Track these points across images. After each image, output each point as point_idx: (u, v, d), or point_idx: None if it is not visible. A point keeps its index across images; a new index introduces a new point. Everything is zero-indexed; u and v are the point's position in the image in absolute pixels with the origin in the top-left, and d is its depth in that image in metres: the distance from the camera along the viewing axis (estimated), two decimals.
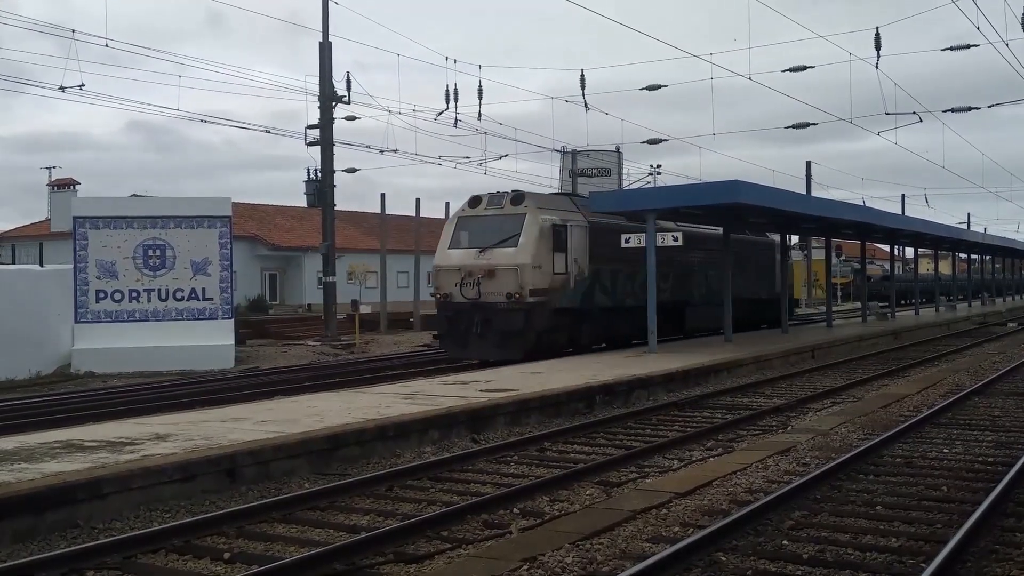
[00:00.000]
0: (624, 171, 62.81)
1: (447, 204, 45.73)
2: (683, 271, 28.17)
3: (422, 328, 39.34)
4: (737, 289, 28.51)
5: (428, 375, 20.07)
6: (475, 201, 23.89)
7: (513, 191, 23.79)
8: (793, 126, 38.28)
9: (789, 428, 13.49)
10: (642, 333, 23.71)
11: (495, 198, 23.68)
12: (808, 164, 61.96)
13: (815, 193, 56.70)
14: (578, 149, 53.45)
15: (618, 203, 27.14)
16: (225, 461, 9.96)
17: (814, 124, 38.10)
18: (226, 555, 7.55)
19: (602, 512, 8.47)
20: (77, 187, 51.83)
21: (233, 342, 28.63)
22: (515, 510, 8.90)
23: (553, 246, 22.91)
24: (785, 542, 7.60)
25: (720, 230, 28.36)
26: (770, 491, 9.16)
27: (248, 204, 57.94)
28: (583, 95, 33.56)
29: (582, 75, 33.48)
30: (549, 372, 18.45)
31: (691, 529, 7.91)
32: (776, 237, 33.34)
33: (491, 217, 23.35)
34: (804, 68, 32.56)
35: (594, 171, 58.32)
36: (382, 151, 37.35)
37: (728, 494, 9.26)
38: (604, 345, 24.94)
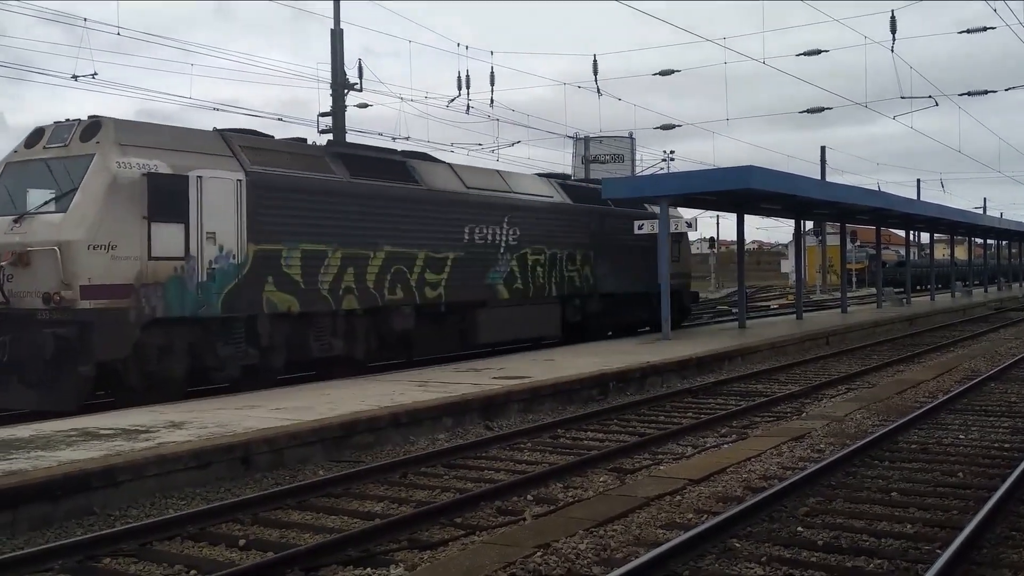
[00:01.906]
0: (637, 157, 62.79)
1: None
2: (476, 256, 20.43)
3: None
4: (602, 281, 24.79)
5: (441, 363, 20.09)
6: (34, 137, 14.71)
7: (90, 117, 14.53)
8: (807, 111, 38.13)
9: (803, 414, 13.47)
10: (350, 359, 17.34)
11: (60, 130, 14.48)
12: (823, 149, 61.71)
13: (830, 178, 56.52)
14: (591, 135, 53.40)
15: (631, 189, 27.11)
16: (239, 448, 10.00)
17: (829, 109, 37.94)
18: (241, 542, 7.59)
19: (616, 499, 8.47)
20: None
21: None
22: (529, 497, 8.92)
23: (151, 211, 13.91)
24: (800, 528, 7.60)
25: (562, 197, 23.96)
26: (784, 478, 9.16)
27: None
28: (596, 81, 33.47)
29: (595, 61, 33.41)
30: (562, 359, 18.46)
31: (705, 516, 7.91)
32: (675, 216, 27.22)
33: (44, 162, 14.27)
34: (819, 52, 32.38)
35: (607, 157, 58.31)
36: (394, 139, 37.22)
37: (742, 481, 9.26)
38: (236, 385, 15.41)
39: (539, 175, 25.01)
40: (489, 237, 20.78)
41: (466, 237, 20.05)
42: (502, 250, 21.08)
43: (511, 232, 21.37)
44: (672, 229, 25.04)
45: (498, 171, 22.62)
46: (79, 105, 37.81)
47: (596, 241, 24.46)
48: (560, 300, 23.14)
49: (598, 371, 16.19)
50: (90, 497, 8.57)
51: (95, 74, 28.63)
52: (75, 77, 28.23)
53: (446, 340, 19.88)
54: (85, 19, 26.94)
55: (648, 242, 25.49)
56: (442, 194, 19.57)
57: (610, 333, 25.58)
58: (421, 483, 9.70)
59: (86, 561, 7.18)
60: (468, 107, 34.98)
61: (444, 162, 21.24)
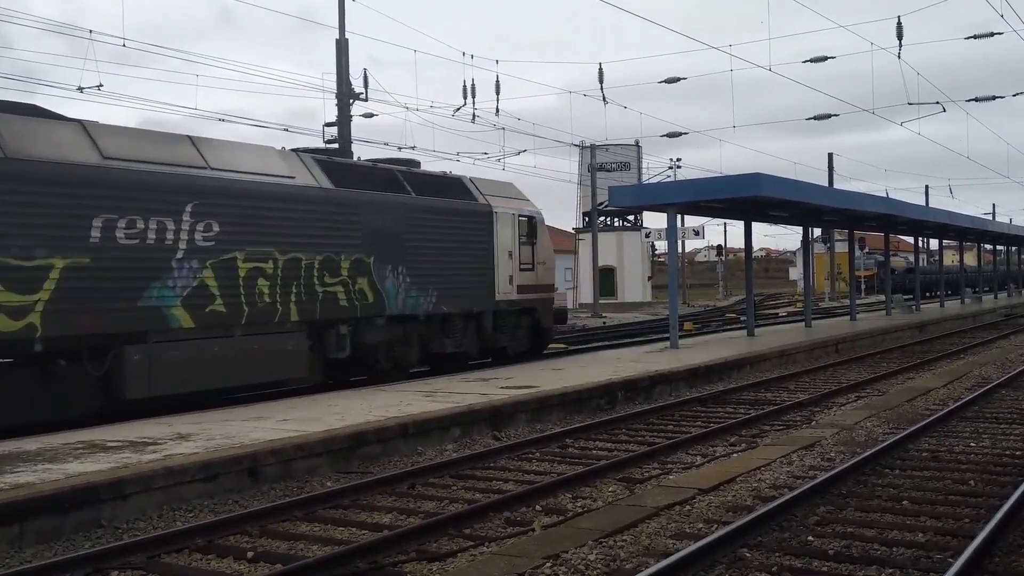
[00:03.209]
0: (644, 165, 62.79)
1: None
2: (119, 263, 13.53)
3: None
4: (395, 299, 17.90)
5: (448, 373, 20.09)
6: None
7: None
8: (814, 117, 38.15)
9: (813, 423, 13.45)
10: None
11: None
12: (830, 156, 61.72)
13: (837, 185, 56.52)
14: (597, 143, 53.44)
15: (638, 197, 27.14)
16: (247, 460, 10.01)
17: (836, 115, 37.95)
18: (249, 554, 7.59)
19: (625, 509, 8.47)
20: None
21: None
22: (537, 507, 8.92)
23: None
24: (810, 538, 7.58)
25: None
26: (795, 487, 9.14)
27: None
28: (601, 89, 33.60)
29: (600, 69, 33.51)
30: (570, 368, 18.46)
31: (715, 525, 7.90)
32: (504, 208, 21.03)
33: None
34: (825, 59, 32.44)
35: (613, 165, 58.31)
36: (400, 148, 37.41)
37: (752, 490, 9.24)
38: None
39: (292, 151, 17.71)
40: (152, 235, 13.86)
41: (97, 234, 13.11)
42: (181, 254, 14.22)
43: (201, 227, 14.55)
44: (509, 211, 20.72)
45: (189, 137, 15.36)
46: (85, 116, 37.94)
47: (383, 243, 17.55)
48: (310, 327, 16.27)
49: (606, 380, 16.18)
50: (98, 510, 8.58)
51: (100, 85, 28.77)
52: (81, 89, 28.38)
53: (58, 398, 13.00)
54: (91, 31, 26.97)
55: (480, 244, 19.98)
56: (50, 167, 12.72)
57: (427, 368, 19.72)
58: (429, 494, 9.70)
59: (94, 574, 7.18)
60: (474, 116, 35.11)
61: (71, 119, 13.94)
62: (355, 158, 19.73)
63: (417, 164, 20.80)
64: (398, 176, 18.88)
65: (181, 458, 9.70)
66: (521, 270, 21.27)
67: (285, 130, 58.34)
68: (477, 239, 20.04)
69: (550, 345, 26.72)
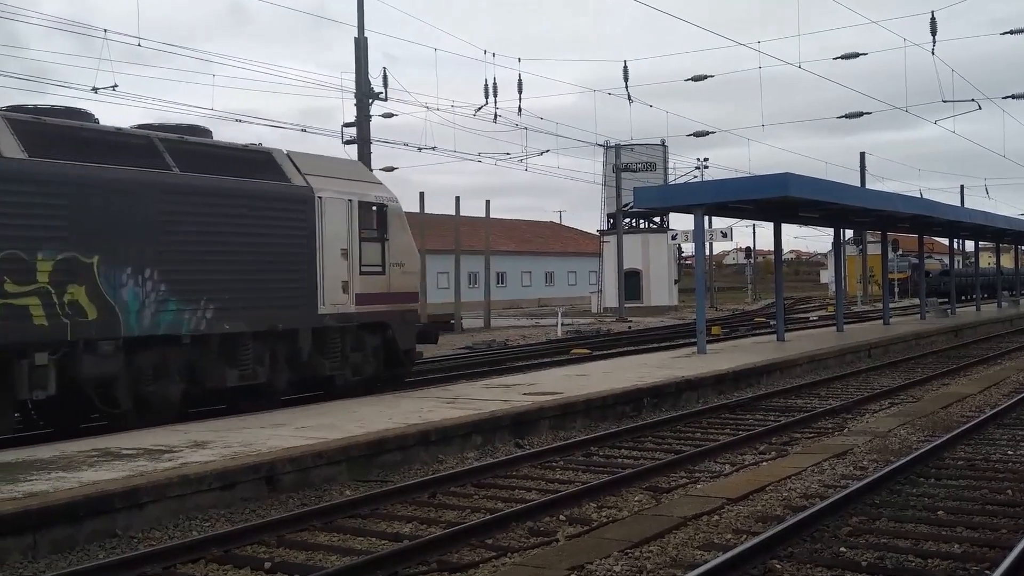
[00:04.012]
0: (670, 165, 62.69)
1: (487, 202, 45.92)
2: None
3: (463, 330, 39.47)
4: (140, 313, 13.22)
5: (470, 379, 20.12)
6: None
7: None
8: (845, 116, 38.01)
9: (845, 430, 13.37)
10: None
11: None
12: (862, 155, 61.48)
13: (869, 185, 56.25)
14: (621, 143, 53.41)
15: (664, 198, 27.11)
16: (264, 468, 10.04)
17: (868, 113, 37.81)
18: (267, 564, 7.61)
19: (651, 519, 8.44)
20: None
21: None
22: (561, 517, 8.90)
23: None
24: (843, 549, 7.54)
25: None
26: (826, 496, 9.08)
27: None
28: (626, 87, 33.60)
29: (625, 66, 33.49)
30: (594, 374, 18.43)
31: (744, 536, 7.86)
32: (336, 192, 16.23)
33: None
34: (856, 55, 32.30)
35: (638, 165, 58.23)
36: (420, 148, 37.51)
37: (783, 499, 9.20)
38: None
39: None
40: None
41: None
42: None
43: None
44: (343, 196, 16.20)
45: None
46: (101, 117, 38.18)
47: (119, 236, 13.07)
48: None
49: (632, 386, 16.14)
50: (112, 519, 8.62)
51: (115, 86, 28.83)
52: (95, 89, 28.55)
53: None
54: (105, 30, 27.13)
55: (293, 238, 15.30)
56: None
57: (223, 407, 15.11)
58: (451, 503, 9.70)
59: None
60: (496, 115, 35.19)
61: None
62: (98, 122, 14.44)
63: (206, 133, 15.82)
64: (155, 145, 14.04)
65: (197, 466, 9.74)
66: (364, 274, 16.54)
67: (303, 130, 58.61)
68: (287, 232, 15.19)
69: (574, 351, 26.58)
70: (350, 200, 16.45)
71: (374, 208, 17.07)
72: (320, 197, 15.79)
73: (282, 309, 15.08)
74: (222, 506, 9.46)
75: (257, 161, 15.47)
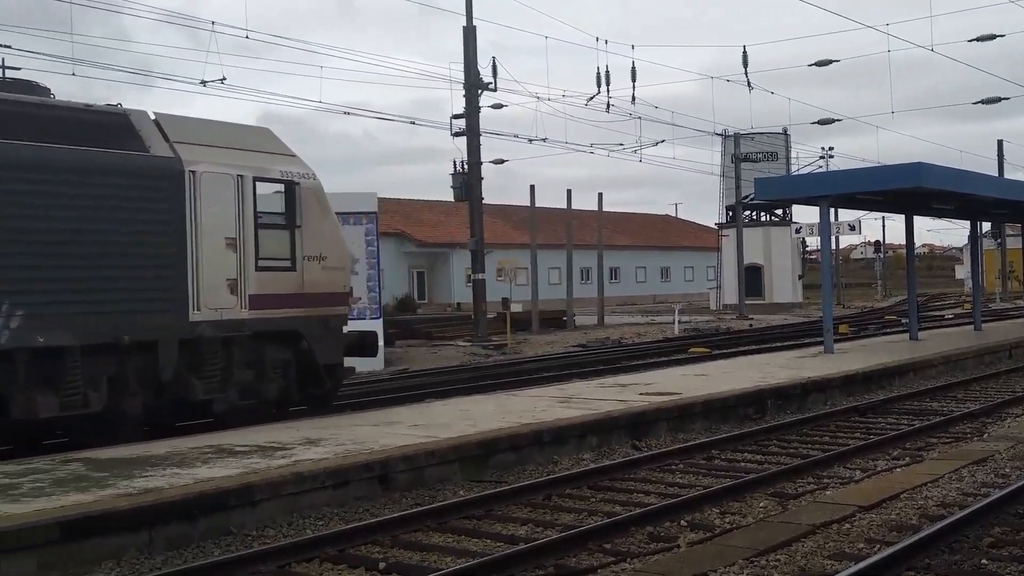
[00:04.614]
0: (792, 154, 61.68)
1: (600, 195, 45.82)
2: None
3: (575, 327, 39.45)
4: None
5: (584, 377, 20.08)
6: None
7: None
8: (982, 101, 36.89)
9: (985, 435, 12.98)
10: None
11: None
12: (1000, 143, 59.56)
13: (1008, 175, 54.50)
14: (741, 132, 52.68)
15: (786, 190, 26.68)
16: (377, 467, 10.19)
17: (1005, 99, 36.66)
18: (381, 565, 7.71)
19: (777, 526, 8.31)
20: None
21: (382, 343, 29.22)
22: (682, 522, 8.83)
23: None
24: (984, 561, 7.31)
25: None
26: (965, 505, 8.83)
27: (393, 199, 59.14)
28: (746, 73, 33.18)
29: (744, 52, 33.04)
30: (714, 374, 18.24)
31: (878, 546, 7.69)
32: (221, 165, 13.26)
33: None
34: (993, 37, 31.32)
35: (759, 155, 57.39)
36: (530, 140, 37.62)
37: (918, 508, 8.96)
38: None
39: None
40: None
41: None
42: None
43: None
44: (231, 171, 13.27)
45: None
46: (203, 112, 39.20)
47: None
48: None
49: (754, 387, 15.92)
50: (227, 516, 8.84)
51: (224, 79, 29.57)
52: (204, 83, 29.32)
53: None
54: (213, 22, 27.84)
55: (150, 224, 12.40)
56: None
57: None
58: (567, 506, 9.70)
59: None
60: (608, 105, 35.12)
61: None
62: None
63: (44, 92, 13.48)
64: None
65: (311, 464, 9.92)
66: (263, 270, 13.57)
67: (412, 123, 59.12)
68: (140, 216, 12.29)
69: (692, 350, 26.31)
70: (241, 176, 13.33)
71: (280, 186, 14.01)
72: (193, 171, 12.77)
73: (131, 316, 12.10)
74: (335, 504, 9.61)
75: (102, 125, 12.49)
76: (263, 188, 13.71)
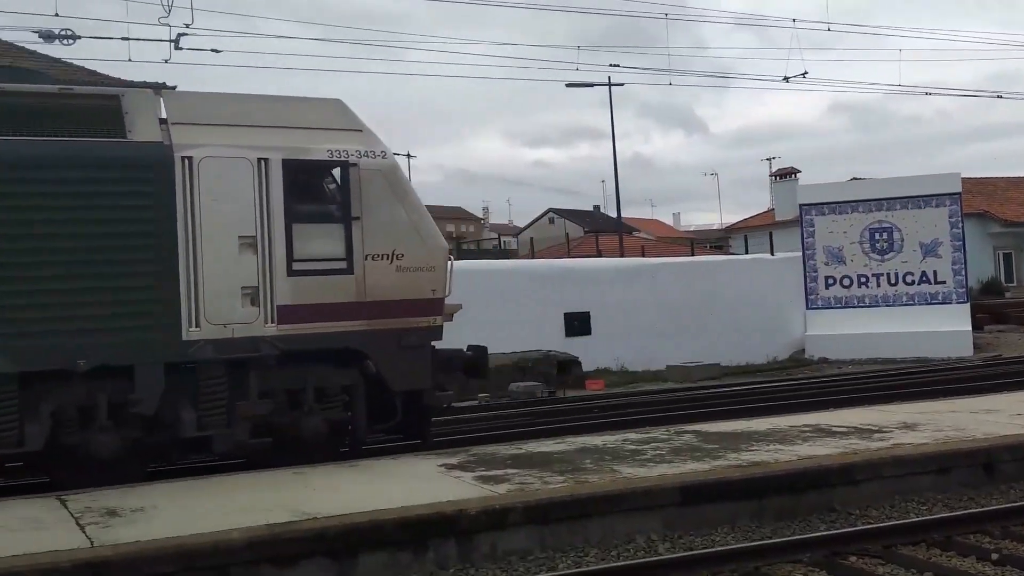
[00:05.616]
0: None
1: None
2: None
3: None
4: None
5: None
6: None
7: None
8: None
9: None
10: None
11: None
12: None
13: None
14: None
15: None
16: (981, 455, 9.77)
17: None
18: (993, 556, 7.42)
19: None
20: (797, 175, 53.88)
21: (969, 328, 27.81)
22: None
23: None
24: None
25: None
26: None
27: (974, 178, 55.47)
28: None
29: None
30: None
31: None
32: (229, 148, 10.40)
33: None
34: None
35: None
36: None
37: None
38: None
39: None
40: None
41: None
42: None
43: None
44: (243, 154, 10.44)
45: None
46: (774, 107, 39.50)
47: None
48: None
49: None
50: (829, 493, 8.97)
51: (805, 73, 29.79)
52: (787, 79, 29.78)
53: None
54: (794, 20, 28.09)
55: (126, 224, 9.98)
56: None
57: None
58: None
59: (832, 557, 7.54)
60: None
61: None
62: None
63: (44, 78, 11.78)
64: None
65: (910, 447, 9.77)
66: (300, 273, 10.59)
67: (998, 97, 54.65)
68: (109, 215, 9.91)
69: None
70: (264, 159, 10.51)
71: (328, 169, 11.09)
72: (187, 157, 10.17)
73: (92, 335, 9.69)
74: (937, 490, 9.37)
75: (79, 111, 10.30)
76: (303, 173, 10.80)
